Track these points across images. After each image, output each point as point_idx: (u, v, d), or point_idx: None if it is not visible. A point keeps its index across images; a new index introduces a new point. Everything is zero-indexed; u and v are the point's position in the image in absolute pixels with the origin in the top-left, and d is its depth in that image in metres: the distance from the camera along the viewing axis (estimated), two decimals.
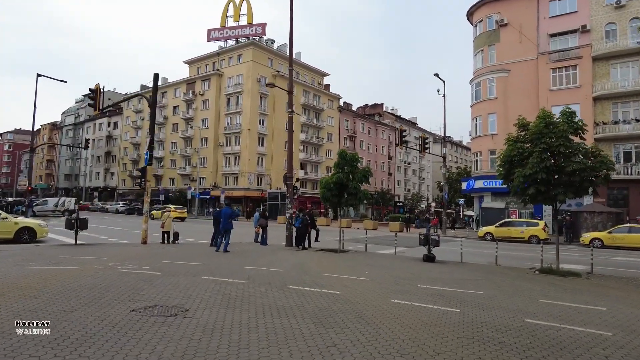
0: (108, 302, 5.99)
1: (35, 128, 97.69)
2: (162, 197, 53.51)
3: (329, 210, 47.83)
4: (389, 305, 6.60)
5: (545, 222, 27.39)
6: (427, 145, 29.43)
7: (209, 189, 54.21)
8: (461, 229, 42.28)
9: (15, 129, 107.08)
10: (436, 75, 31.67)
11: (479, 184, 34.28)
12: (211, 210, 43.36)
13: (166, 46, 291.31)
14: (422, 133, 50.23)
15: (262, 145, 54.44)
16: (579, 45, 30.98)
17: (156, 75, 16.33)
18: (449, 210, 42.31)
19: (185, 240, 18.37)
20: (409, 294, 7.58)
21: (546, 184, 11.13)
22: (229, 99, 56.11)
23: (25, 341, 4.19)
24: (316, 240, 18.20)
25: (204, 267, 9.87)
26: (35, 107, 33.64)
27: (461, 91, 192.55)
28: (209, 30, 58.65)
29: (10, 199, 53.07)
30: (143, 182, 15.88)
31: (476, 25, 37.39)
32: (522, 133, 12.36)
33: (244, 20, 56.69)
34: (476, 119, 35.95)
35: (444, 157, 32.79)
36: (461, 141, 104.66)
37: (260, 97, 54.65)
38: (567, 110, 11.66)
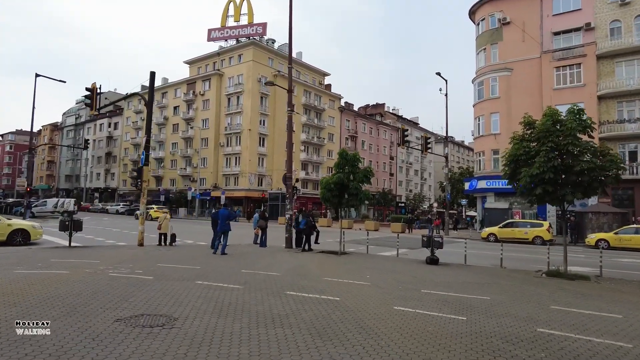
0: (92, 310, 5.63)
1: (36, 129, 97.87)
2: (162, 198, 53.24)
3: (328, 211, 47.51)
4: (391, 313, 6.23)
5: (549, 223, 26.99)
6: (429, 145, 29.03)
7: (209, 189, 53.89)
8: (464, 229, 41.89)
9: (16, 129, 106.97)
10: (438, 74, 31.31)
11: (482, 184, 33.86)
12: (213, 210, 43.18)
13: (166, 46, 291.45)
14: (424, 133, 49.78)
15: (263, 145, 54.10)
16: (583, 44, 30.53)
17: (152, 74, 16.00)
18: (451, 211, 41.90)
19: (184, 242, 18.00)
20: (413, 300, 7.21)
21: (554, 184, 10.75)
22: (229, 99, 55.80)
23: None
24: (316, 241, 17.83)
25: (199, 271, 9.51)
26: (34, 107, 33.36)
27: (462, 91, 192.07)
28: (210, 30, 58.39)
29: (9, 199, 52.78)
30: (140, 183, 15.53)
31: (478, 24, 36.97)
32: (528, 131, 11.97)
33: (244, 20, 56.41)
34: (479, 118, 35.53)
35: (446, 157, 32.39)
36: (463, 141, 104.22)
37: (261, 97, 54.33)
38: (575, 107, 11.27)
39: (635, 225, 22.38)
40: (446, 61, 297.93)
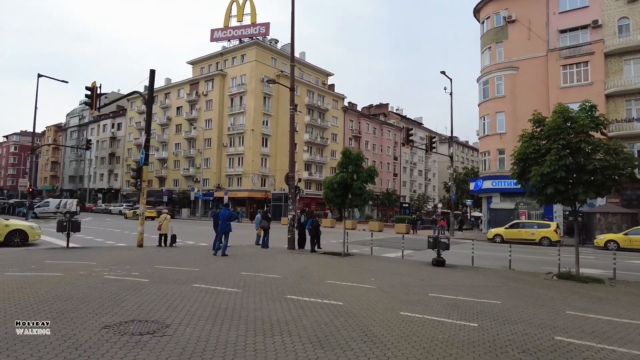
0: (80, 316, 5.31)
1: (41, 130, 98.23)
2: (165, 199, 53.08)
3: (329, 211, 47.13)
4: (398, 319, 5.86)
5: (557, 224, 26.51)
6: (434, 145, 28.60)
7: (212, 190, 53.66)
8: (469, 230, 41.41)
9: (20, 130, 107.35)
10: (443, 72, 30.88)
11: (487, 184, 33.39)
12: (214, 211, 42.94)
13: (169, 47, 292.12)
14: (429, 133, 49.33)
15: (266, 146, 53.81)
16: (591, 41, 30.03)
17: (152, 72, 15.71)
18: (456, 212, 41.41)
19: (184, 243, 17.71)
20: (420, 305, 6.84)
21: (565, 183, 10.34)
22: (232, 99, 55.55)
23: None
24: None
25: (197, 273, 9.18)
26: (36, 107, 33.35)
27: (466, 92, 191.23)
28: (212, 31, 58.18)
29: (12, 200, 52.77)
30: (139, 183, 15.23)
31: (483, 22, 36.51)
32: (538, 129, 11.57)
33: (247, 20, 56.13)
34: (484, 117, 35.06)
35: (451, 157, 31.92)
36: (467, 141, 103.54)
37: (264, 97, 54.05)
38: (587, 103, 10.86)
39: None
40: (450, 61, 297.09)
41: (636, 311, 7.09)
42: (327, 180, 14.86)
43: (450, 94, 31.61)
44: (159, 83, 67.57)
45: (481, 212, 45.91)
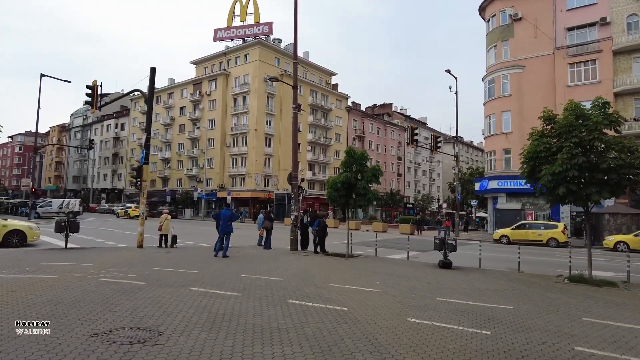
0: (69, 322, 5.01)
1: (45, 130, 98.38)
2: (168, 199, 52.95)
3: (330, 211, 46.75)
4: (405, 326, 5.53)
5: (564, 225, 26.06)
6: (439, 144, 28.20)
7: (215, 190, 53.46)
8: (474, 231, 40.98)
9: (25, 131, 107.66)
10: (448, 71, 30.46)
11: (493, 184, 32.97)
12: (215, 211, 42.83)
13: (173, 48, 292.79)
14: (434, 132, 48.89)
15: (269, 145, 53.55)
16: (599, 39, 29.55)
17: (153, 69, 15.45)
18: (460, 212, 40.96)
19: (186, 244, 17.44)
20: (428, 310, 6.50)
21: (578, 182, 9.96)
22: (235, 99, 55.34)
23: None
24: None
25: (196, 276, 8.88)
26: (39, 107, 33.27)
27: (470, 92, 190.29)
28: (216, 30, 57.99)
29: (15, 200, 52.82)
30: (139, 182, 14.97)
31: (489, 21, 36.09)
32: (548, 127, 11.19)
33: (250, 20, 55.93)
34: (489, 117, 34.64)
35: (456, 156, 31.53)
36: (472, 141, 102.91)
37: (267, 97, 53.80)
38: (600, 100, 10.48)
39: None
40: (452, 62, 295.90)
41: None
42: (330, 180, 14.52)
43: (456, 92, 31.18)
44: (162, 83, 67.55)
45: (486, 212, 45.41)
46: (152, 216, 34.71)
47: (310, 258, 13.47)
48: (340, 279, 9.38)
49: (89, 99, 16.56)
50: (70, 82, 35.01)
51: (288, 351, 4.30)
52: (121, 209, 47.12)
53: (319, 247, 15.26)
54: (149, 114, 15.65)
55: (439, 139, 28.37)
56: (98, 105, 16.95)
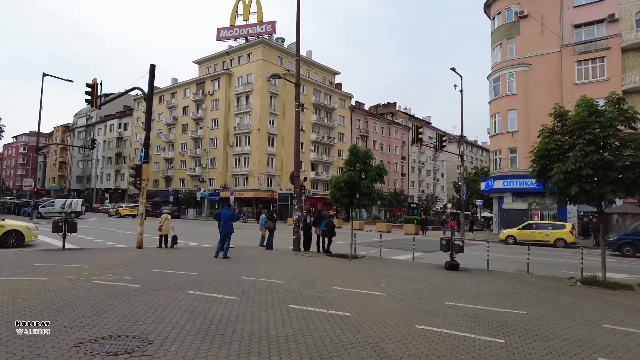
0: (53, 329, 4.68)
1: (49, 130, 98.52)
2: (171, 199, 52.79)
3: (331, 210, 46.39)
4: (413, 333, 5.17)
5: (572, 225, 25.59)
6: (444, 143, 27.77)
7: (218, 190, 53.22)
8: (479, 231, 40.50)
9: (30, 131, 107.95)
10: (453, 69, 30.03)
11: (499, 183, 32.48)
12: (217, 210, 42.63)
13: (176, 48, 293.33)
14: (439, 131, 48.31)
15: (272, 145, 53.23)
16: (607, 36, 29.01)
17: (152, 67, 15.15)
18: (466, 212, 40.49)
19: (187, 245, 17.13)
20: (437, 316, 6.14)
21: (591, 181, 9.55)
22: (238, 98, 55.06)
23: None
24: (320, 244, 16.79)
25: (194, 278, 8.55)
26: (40, 107, 33.03)
27: (473, 92, 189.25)
28: (219, 30, 57.77)
29: (17, 200, 52.84)
30: (138, 182, 14.67)
31: (494, 18, 35.59)
32: (560, 124, 10.78)
33: (253, 19, 55.64)
34: (495, 115, 34.15)
35: (462, 156, 31.04)
36: (476, 141, 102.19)
37: (270, 97, 53.48)
38: (614, 95, 10.06)
39: None
40: (456, 62, 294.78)
41: None
42: (333, 179, 14.15)
43: (461, 91, 30.73)
44: (165, 83, 67.46)
45: (491, 212, 44.91)
46: (155, 216, 34.47)
47: (313, 259, 13.12)
48: (343, 281, 9.03)
49: (89, 97, 16.30)
50: (72, 81, 34.89)
51: None
52: (112, 208, 48.10)
53: (326, 248, 14.92)
54: (148, 111, 15.35)
55: (444, 138, 27.93)
56: (98, 103, 16.69)
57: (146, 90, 15.38)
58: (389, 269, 11.49)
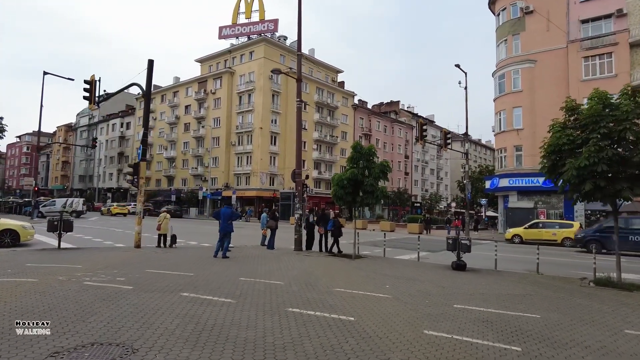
0: (32, 336, 4.31)
1: (52, 130, 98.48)
2: (174, 198, 52.52)
3: (332, 210, 46.03)
4: (421, 340, 4.77)
5: (580, 224, 25.09)
6: (448, 141, 27.30)
7: (220, 189, 52.90)
8: (484, 230, 40.00)
9: (33, 131, 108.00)
10: (457, 66, 29.54)
11: (504, 182, 31.98)
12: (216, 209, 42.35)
13: (176, 46, 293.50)
14: (442, 129, 47.96)
15: (275, 144, 52.86)
16: (615, 31, 28.45)
17: (150, 62, 14.80)
18: (470, 211, 40.00)
19: (187, 244, 16.81)
20: (445, 320, 5.74)
21: (606, 178, 9.12)
22: (240, 97, 54.71)
23: None
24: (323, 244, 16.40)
25: (190, 279, 8.18)
26: (41, 105, 32.80)
27: (477, 91, 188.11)
28: (221, 28, 57.46)
29: (19, 199, 52.80)
30: (135, 180, 14.34)
31: (499, 14, 35.07)
32: (571, 118, 10.34)
33: (255, 17, 55.31)
34: (500, 113, 33.64)
35: (466, 154, 30.53)
36: (480, 139, 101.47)
37: (273, 95, 53.11)
38: (629, 87, 9.62)
39: None
40: (458, 61, 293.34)
41: None
42: (336, 176, 13.76)
43: (465, 88, 30.26)
44: (167, 82, 67.27)
45: (496, 211, 44.37)
46: (157, 215, 34.18)
47: (314, 259, 12.74)
48: (346, 282, 8.64)
49: (87, 94, 15.98)
50: (73, 79, 34.63)
51: None
52: (104, 207, 48.45)
53: (334, 248, 14.53)
54: (146, 108, 15.02)
55: (448, 135, 27.47)
56: (96, 100, 16.36)
57: (144, 86, 15.02)
58: (394, 270, 11.09)
